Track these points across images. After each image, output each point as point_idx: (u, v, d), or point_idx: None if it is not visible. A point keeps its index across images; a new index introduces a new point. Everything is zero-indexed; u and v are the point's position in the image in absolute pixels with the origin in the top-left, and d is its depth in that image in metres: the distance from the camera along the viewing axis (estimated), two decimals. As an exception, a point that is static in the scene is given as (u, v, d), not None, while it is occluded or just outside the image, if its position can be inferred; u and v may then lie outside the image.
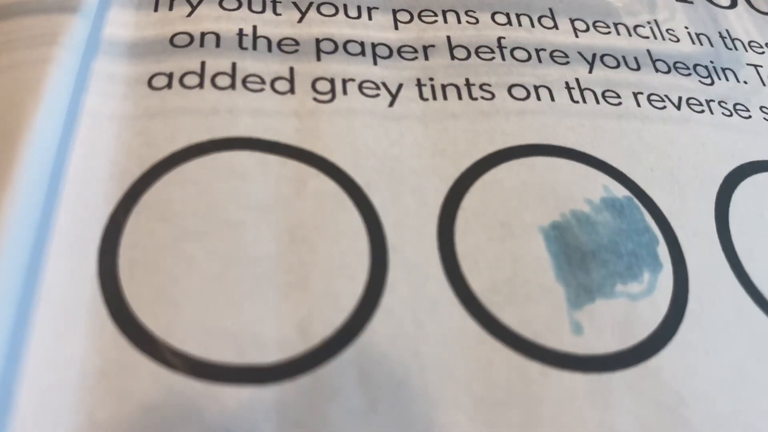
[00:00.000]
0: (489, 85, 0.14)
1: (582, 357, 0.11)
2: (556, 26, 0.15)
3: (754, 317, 0.12)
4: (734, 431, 0.11)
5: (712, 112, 0.14)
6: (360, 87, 0.13)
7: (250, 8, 0.14)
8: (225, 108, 0.12)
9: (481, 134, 0.13)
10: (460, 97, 0.13)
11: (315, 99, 0.13)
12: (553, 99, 0.14)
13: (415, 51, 0.14)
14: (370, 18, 0.14)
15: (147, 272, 0.10)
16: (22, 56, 0.11)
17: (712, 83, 0.15)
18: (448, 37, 0.14)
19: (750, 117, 0.15)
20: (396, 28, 0.14)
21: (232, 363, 0.10)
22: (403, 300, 0.11)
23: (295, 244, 0.11)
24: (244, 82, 0.13)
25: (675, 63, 0.15)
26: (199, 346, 0.10)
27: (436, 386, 0.10)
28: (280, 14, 0.14)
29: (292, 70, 0.13)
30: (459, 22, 0.15)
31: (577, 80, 0.14)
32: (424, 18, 0.15)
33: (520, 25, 0.15)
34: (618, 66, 0.15)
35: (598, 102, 0.14)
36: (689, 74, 0.15)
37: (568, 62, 0.14)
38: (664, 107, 0.14)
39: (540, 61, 0.14)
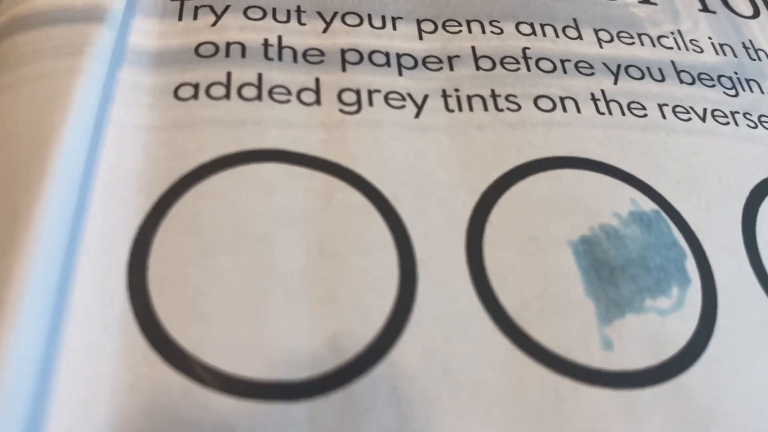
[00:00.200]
0: (515, 96, 0.13)
1: (613, 373, 0.11)
2: (580, 36, 0.15)
3: (783, 333, 0.12)
4: (766, 449, 0.11)
5: (737, 124, 0.14)
6: (386, 98, 0.13)
7: (274, 18, 0.14)
8: (252, 119, 0.12)
9: (508, 146, 0.13)
10: (486, 109, 0.13)
11: (341, 110, 0.13)
12: (579, 111, 0.14)
13: (440, 61, 0.14)
14: (394, 28, 0.14)
15: (176, 286, 0.10)
16: (49, 66, 0.11)
17: (737, 95, 0.15)
18: (473, 48, 0.14)
19: (775, 129, 0.15)
20: (420, 38, 0.14)
21: (264, 379, 0.10)
22: (432, 315, 0.11)
23: (323, 257, 0.11)
24: (270, 93, 0.12)
25: (699, 74, 0.15)
26: (231, 361, 0.10)
27: (467, 403, 0.10)
28: (304, 24, 0.14)
29: (317, 81, 0.13)
30: (483, 32, 0.15)
31: (602, 91, 0.14)
32: (448, 28, 0.14)
33: (544, 35, 0.15)
34: (643, 77, 0.15)
35: (623, 114, 0.14)
36: (713, 85, 0.15)
37: (593, 73, 0.14)
38: (690, 119, 0.14)
39: (565, 71, 0.14)
